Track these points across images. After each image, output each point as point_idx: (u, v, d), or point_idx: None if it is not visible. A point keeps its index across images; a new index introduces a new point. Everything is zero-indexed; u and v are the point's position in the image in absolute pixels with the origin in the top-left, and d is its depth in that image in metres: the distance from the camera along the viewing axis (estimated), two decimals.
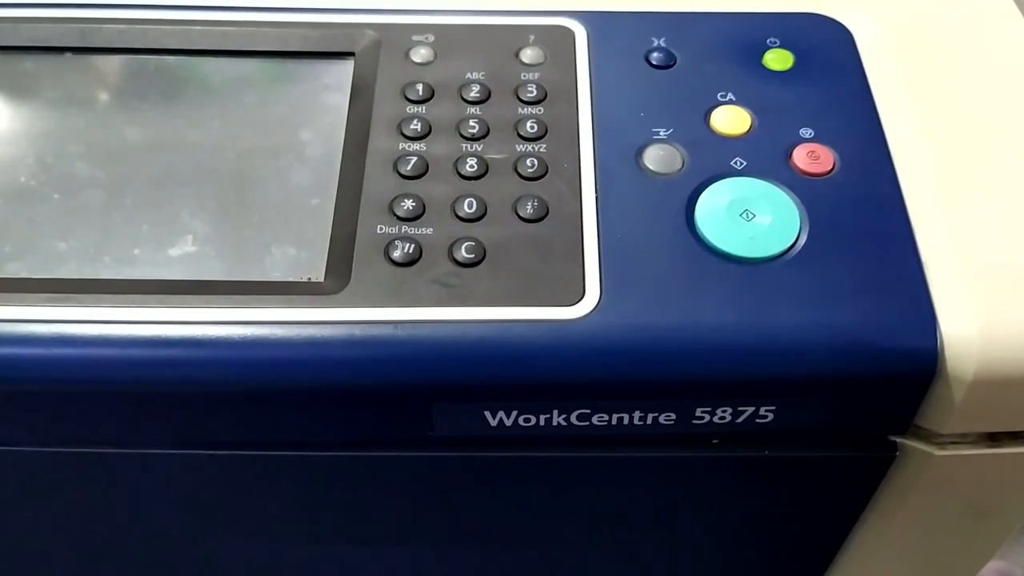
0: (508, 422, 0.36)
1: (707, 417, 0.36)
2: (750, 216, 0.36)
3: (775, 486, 0.40)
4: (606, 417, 0.36)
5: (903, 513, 0.40)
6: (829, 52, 0.42)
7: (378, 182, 0.38)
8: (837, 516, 0.42)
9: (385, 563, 0.47)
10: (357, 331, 0.34)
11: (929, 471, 0.38)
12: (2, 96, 0.41)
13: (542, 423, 0.36)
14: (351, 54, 0.42)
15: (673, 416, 0.36)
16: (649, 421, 0.36)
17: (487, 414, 0.35)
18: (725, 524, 0.44)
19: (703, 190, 0.37)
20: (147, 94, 0.41)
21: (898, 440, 0.37)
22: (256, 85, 0.42)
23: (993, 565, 1.05)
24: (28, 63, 0.42)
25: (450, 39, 0.42)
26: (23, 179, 0.39)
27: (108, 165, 0.39)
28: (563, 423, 0.36)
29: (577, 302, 0.34)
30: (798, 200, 0.37)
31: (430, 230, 0.36)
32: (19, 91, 0.42)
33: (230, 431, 0.37)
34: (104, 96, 0.41)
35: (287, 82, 0.42)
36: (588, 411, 0.35)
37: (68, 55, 0.42)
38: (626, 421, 0.36)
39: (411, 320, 0.34)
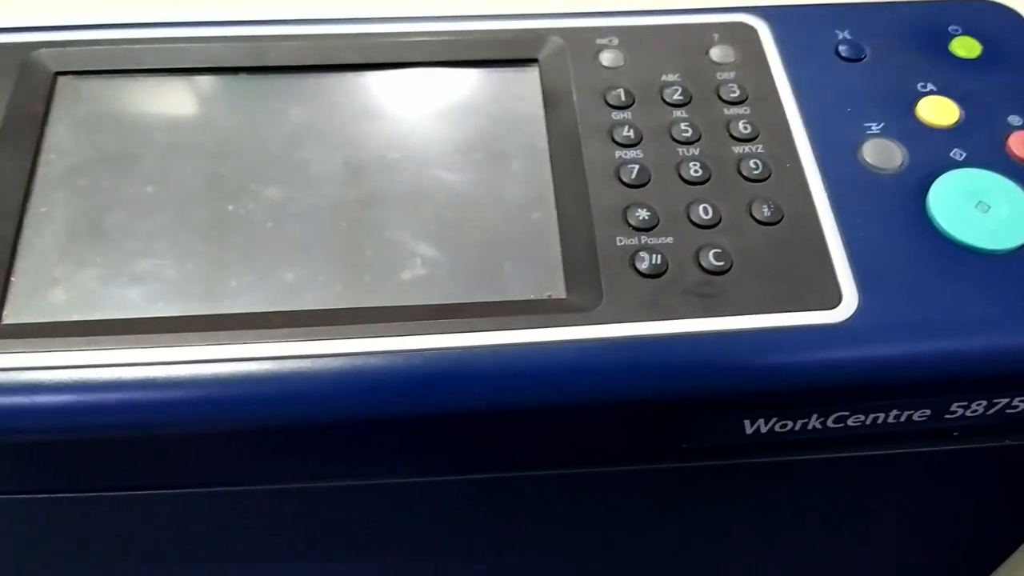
0: (764, 429, 0.35)
1: (960, 411, 0.36)
2: (985, 208, 0.36)
3: (1009, 475, 0.41)
4: (862, 418, 0.35)
5: None
6: (1012, 38, 0.42)
7: (603, 192, 0.37)
8: None
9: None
10: (623, 348, 0.33)
11: None
12: (180, 118, 0.40)
13: (798, 428, 0.35)
14: (535, 60, 0.41)
15: (928, 412, 0.35)
16: (903, 419, 0.36)
17: (746, 423, 0.35)
18: (946, 516, 0.44)
19: (931, 183, 0.37)
20: (332, 112, 0.40)
21: None
22: (442, 97, 0.41)
23: None
24: (205, 84, 0.40)
25: (635, 41, 0.41)
26: (231, 208, 0.37)
27: (313, 190, 0.38)
28: (819, 427, 0.35)
29: (836, 305, 0.34)
30: None
31: (670, 239, 0.36)
32: (197, 113, 0.40)
33: (490, 454, 0.36)
34: (289, 117, 0.40)
35: (472, 92, 0.41)
36: (846, 413, 0.35)
37: (242, 75, 0.41)
38: (880, 420, 0.36)
39: (673, 333, 0.33)
